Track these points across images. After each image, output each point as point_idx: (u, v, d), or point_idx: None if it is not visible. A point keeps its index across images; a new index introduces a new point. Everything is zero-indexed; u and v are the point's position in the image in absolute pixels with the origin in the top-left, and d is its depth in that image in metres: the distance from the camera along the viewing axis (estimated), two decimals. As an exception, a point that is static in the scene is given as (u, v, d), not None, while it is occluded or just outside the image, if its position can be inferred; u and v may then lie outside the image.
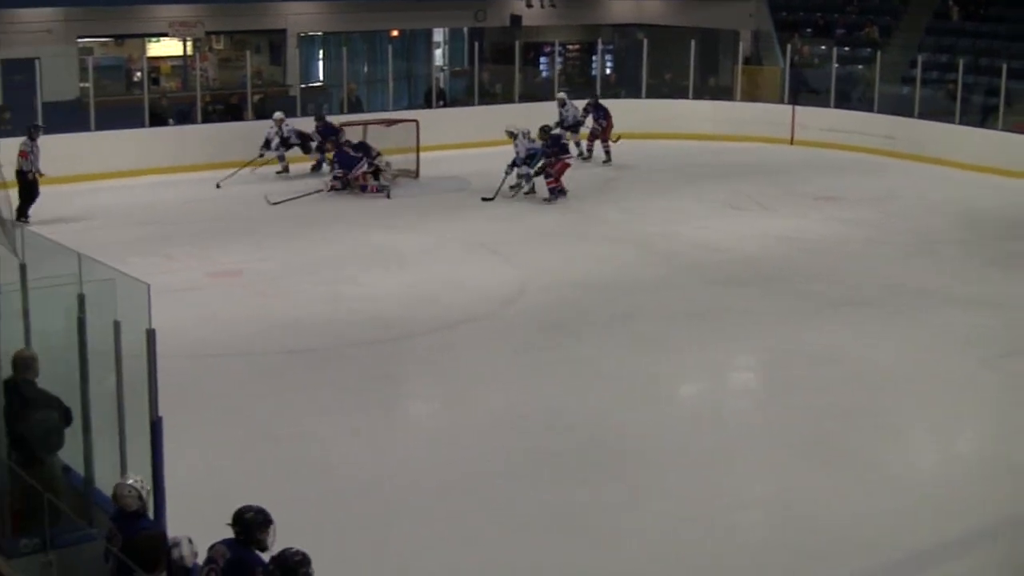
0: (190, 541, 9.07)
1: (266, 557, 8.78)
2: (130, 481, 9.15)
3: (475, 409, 15.12)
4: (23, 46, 28.53)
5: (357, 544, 11.49)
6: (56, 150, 26.60)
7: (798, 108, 33.56)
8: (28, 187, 23.91)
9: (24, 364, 10.45)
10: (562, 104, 30.31)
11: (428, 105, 33.65)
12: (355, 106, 32.05)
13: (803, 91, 34.70)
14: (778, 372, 16.61)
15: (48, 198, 23.88)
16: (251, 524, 8.82)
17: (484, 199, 25.49)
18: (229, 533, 8.87)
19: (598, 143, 30.53)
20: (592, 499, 12.29)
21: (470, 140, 29.39)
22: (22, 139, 24.26)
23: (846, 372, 16.28)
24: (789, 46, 35.27)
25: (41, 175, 24.15)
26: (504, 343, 17.33)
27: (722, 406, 15.94)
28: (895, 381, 16.03)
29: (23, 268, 10.80)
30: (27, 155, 23.98)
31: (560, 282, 19.97)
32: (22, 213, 23.27)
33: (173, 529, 9.30)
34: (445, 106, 34.22)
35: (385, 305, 18.80)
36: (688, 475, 13.23)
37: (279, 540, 8.72)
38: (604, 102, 30.85)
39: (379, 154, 26.86)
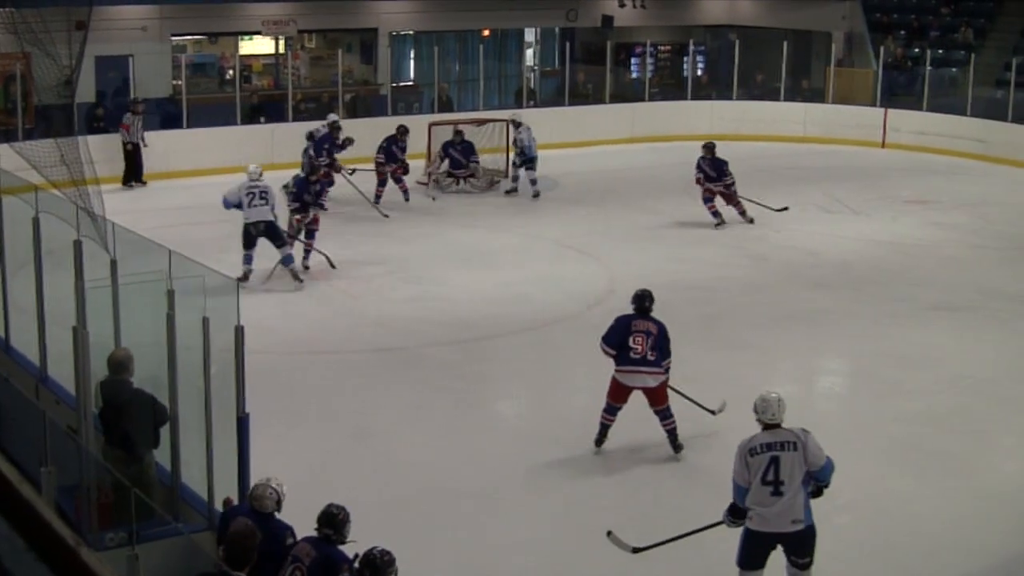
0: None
1: (346, 550, 8.82)
2: (272, 483, 9.21)
3: (562, 409, 15.07)
4: (118, 43, 28.79)
5: (440, 544, 11.48)
6: (149, 147, 26.93)
7: (890, 111, 33.28)
8: (129, 156, 26.50)
9: (120, 365, 10.57)
10: (516, 126, 26.89)
11: (519, 105, 33.66)
12: (446, 106, 32.09)
13: (896, 94, 34.40)
14: (870, 376, 16.43)
15: (140, 194, 24.13)
16: (343, 522, 8.87)
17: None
18: (312, 527, 8.90)
19: None
20: (679, 500, 12.21)
21: (560, 140, 29.31)
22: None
23: (940, 377, 16.11)
24: (882, 48, 34.97)
25: (145, 145, 26.70)
26: (592, 344, 17.24)
27: (813, 409, 15.77)
28: (990, 387, 15.82)
29: (114, 264, 10.89)
30: (128, 128, 26.36)
31: (649, 283, 19.68)
32: (136, 179, 26.67)
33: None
34: (536, 106, 34.23)
35: (473, 305, 18.79)
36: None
37: (364, 538, 8.73)
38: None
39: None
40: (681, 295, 19.15)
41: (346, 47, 34.97)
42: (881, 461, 13.59)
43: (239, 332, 9.39)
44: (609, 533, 11.02)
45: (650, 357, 13.23)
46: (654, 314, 13.69)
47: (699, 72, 38.87)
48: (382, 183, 25.41)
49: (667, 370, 13.44)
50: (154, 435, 10.43)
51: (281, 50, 34.72)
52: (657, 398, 13.34)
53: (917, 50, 35.57)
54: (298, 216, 20.43)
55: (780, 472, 9.83)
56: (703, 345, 17.12)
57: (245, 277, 18.87)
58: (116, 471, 9.74)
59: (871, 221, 24.63)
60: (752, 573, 10.11)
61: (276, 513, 9.20)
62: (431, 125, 28.04)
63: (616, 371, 13.37)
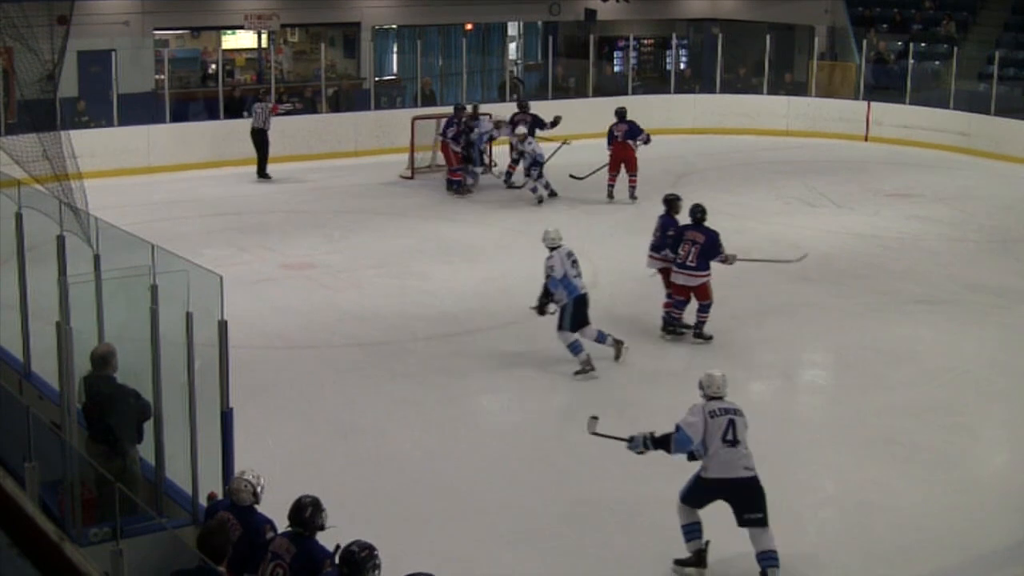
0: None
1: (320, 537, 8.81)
2: (247, 476, 9.22)
3: (545, 403, 15.09)
4: (100, 38, 28.75)
5: (420, 538, 11.48)
6: (131, 142, 26.90)
7: (873, 104, 33.32)
8: (260, 144, 27.21)
9: (102, 360, 10.56)
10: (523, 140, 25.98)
11: (502, 99, 33.63)
12: (428, 100, 32.08)
13: (879, 87, 34.45)
14: (852, 369, 16.46)
15: (122, 189, 24.10)
16: (314, 515, 8.84)
17: None
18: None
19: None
20: (661, 494, 12.23)
21: (542, 134, 29.24)
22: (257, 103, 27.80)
23: (922, 370, 16.15)
24: (865, 42, 35.04)
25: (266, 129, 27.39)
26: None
27: (795, 403, 15.84)
28: (971, 380, 15.87)
29: (97, 259, 10.88)
30: (276, 109, 27.56)
31: (631, 276, 19.86)
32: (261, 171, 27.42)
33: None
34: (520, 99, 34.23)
35: (455, 299, 18.79)
36: (759, 471, 13.13)
37: (348, 533, 8.72)
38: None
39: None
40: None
41: (329, 41, 34.94)
42: (864, 454, 13.62)
43: (223, 327, 9.39)
44: (595, 417, 11.80)
45: (690, 263, 16.67)
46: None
47: (682, 66, 38.85)
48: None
49: (723, 260, 16.89)
50: (138, 430, 10.43)
51: (264, 44, 34.68)
52: (699, 294, 16.87)
53: (900, 43, 35.61)
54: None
55: (736, 432, 10.89)
56: (685, 339, 17.13)
57: (589, 365, 15.65)
58: (100, 466, 9.73)
59: (854, 214, 24.66)
60: (691, 510, 10.99)
61: (256, 506, 9.20)
62: (414, 120, 28.01)
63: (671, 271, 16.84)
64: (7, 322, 12.72)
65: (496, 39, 38.86)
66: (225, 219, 23.46)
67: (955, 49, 33.27)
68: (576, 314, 15.61)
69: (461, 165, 26.01)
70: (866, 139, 33.06)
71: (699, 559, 11.00)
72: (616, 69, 39.79)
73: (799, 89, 35.70)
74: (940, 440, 14.13)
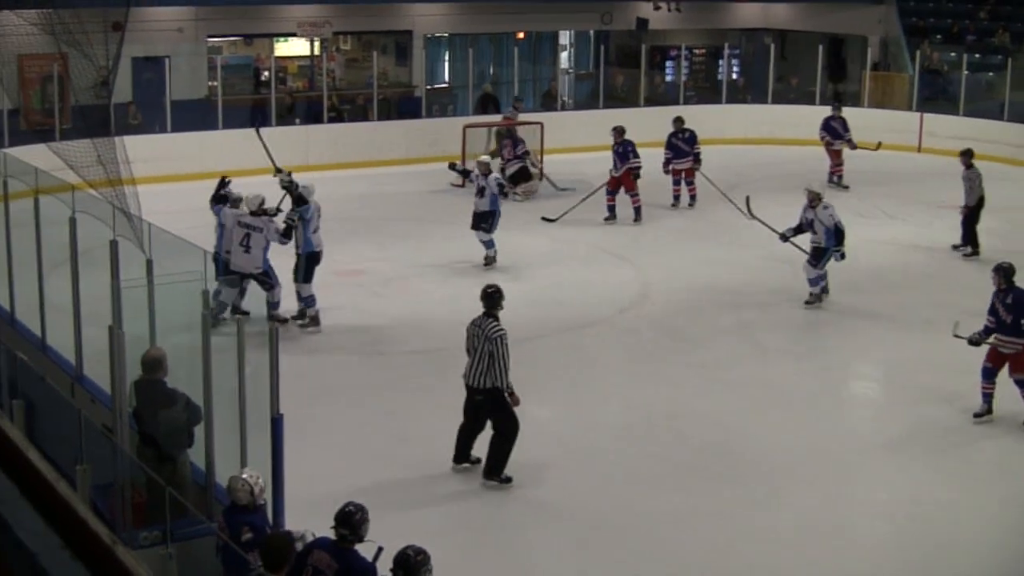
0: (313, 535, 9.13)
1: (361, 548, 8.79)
2: (244, 475, 9.23)
3: (595, 413, 15.05)
4: (154, 44, 28.94)
5: (475, 545, 11.48)
6: (184, 148, 27.02)
7: (926, 115, 33.14)
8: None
9: (154, 364, 10.60)
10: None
11: (548, 108, 33.65)
12: (488, 106, 32.22)
13: (932, 98, 34.27)
14: (905, 381, 16.33)
15: (175, 195, 24.21)
16: (362, 521, 8.81)
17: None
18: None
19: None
20: (711, 506, 12.19)
21: (595, 143, 29.25)
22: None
23: (976, 383, 16.00)
24: (918, 52, 34.86)
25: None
26: (626, 348, 17.26)
27: (846, 414, 15.73)
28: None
29: (149, 264, 10.93)
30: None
31: (683, 287, 19.87)
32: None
33: (291, 525, 9.38)
34: (564, 108, 34.24)
35: (507, 308, 18.74)
36: (810, 483, 13.09)
37: (398, 541, 8.71)
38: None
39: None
40: (715, 299, 19.15)
41: (381, 49, 35.03)
42: (915, 466, 13.54)
43: (274, 332, 9.41)
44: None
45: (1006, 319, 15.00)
46: None
47: (734, 76, 38.78)
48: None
49: None
50: (188, 434, 10.47)
51: (316, 52, 34.79)
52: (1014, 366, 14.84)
53: (953, 54, 35.42)
54: None
55: (250, 241, 16.58)
56: (737, 350, 17.10)
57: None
58: (150, 470, 9.78)
59: (906, 226, 24.55)
60: (230, 289, 15.79)
61: (255, 505, 9.18)
62: (466, 127, 28.06)
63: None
64: (60, 326, 12.81)
65: (547, 48, 38.89)
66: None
67: (1009, 60, 33.06)
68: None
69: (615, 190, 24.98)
70: (919, 150, 32.88)
71: (315, 321, 17.00)
72: (668, 78, 39.75)
73: (852, 99, 35.54)
74: (993, 453, 14.04)
